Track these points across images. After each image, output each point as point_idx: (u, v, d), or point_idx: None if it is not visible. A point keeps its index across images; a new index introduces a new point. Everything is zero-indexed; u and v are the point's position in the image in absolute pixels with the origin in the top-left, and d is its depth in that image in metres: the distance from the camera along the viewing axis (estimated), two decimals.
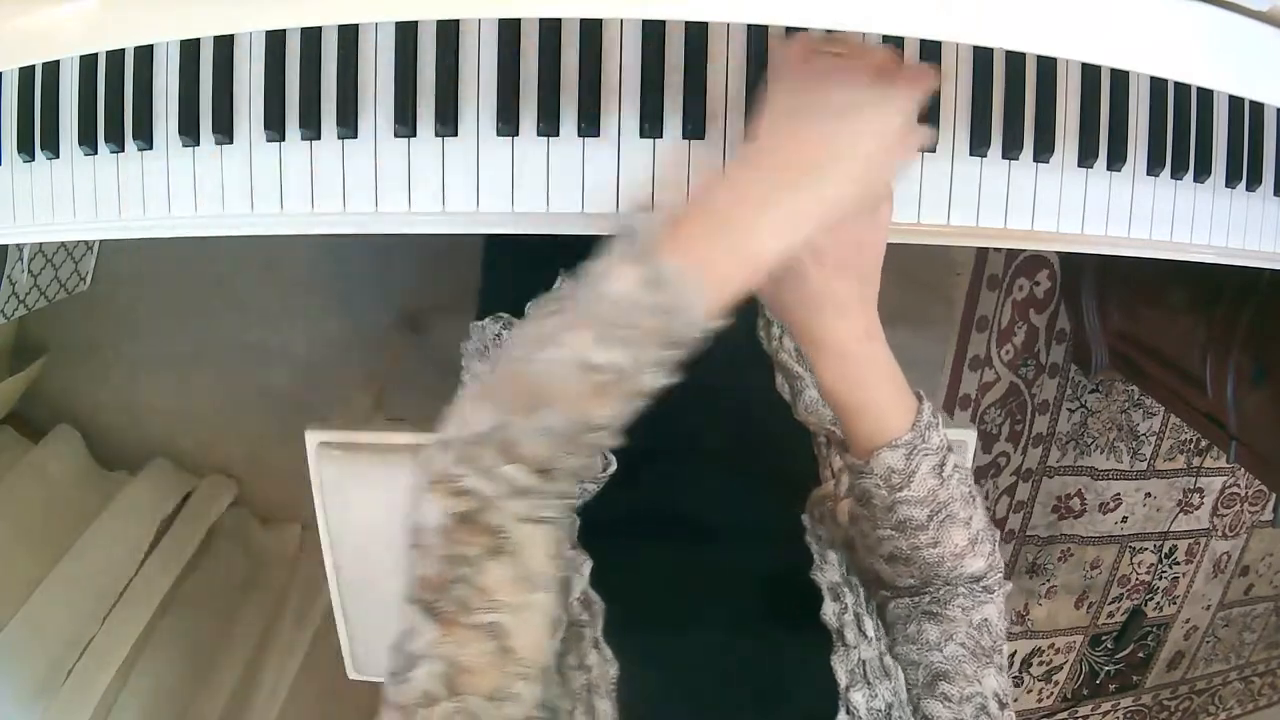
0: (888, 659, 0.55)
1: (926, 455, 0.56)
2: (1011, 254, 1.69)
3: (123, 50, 0.59)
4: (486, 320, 0.75)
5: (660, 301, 0.44)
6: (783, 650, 0.53)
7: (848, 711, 0.49)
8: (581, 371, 0.44)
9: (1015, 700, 0.58)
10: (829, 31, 0.53)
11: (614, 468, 0.69)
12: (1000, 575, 0.60)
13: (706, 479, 0.70)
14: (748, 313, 0.81)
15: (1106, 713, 2.29)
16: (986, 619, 0.58)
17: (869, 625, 0.55)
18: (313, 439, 0.96)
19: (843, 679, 0.51)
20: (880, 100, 0.49)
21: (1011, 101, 0.61)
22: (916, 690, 0.55)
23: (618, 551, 0.58)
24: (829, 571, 0.59)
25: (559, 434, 0.44)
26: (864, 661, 0.52)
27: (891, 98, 0.50)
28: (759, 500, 0.70)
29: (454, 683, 0.39)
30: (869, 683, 0.51)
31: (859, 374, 0.56)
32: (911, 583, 0.60)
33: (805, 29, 0.54)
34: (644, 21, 0.57)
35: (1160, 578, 2.14)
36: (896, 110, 0.50)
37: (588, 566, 0.55)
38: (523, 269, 0.78)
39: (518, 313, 0.74)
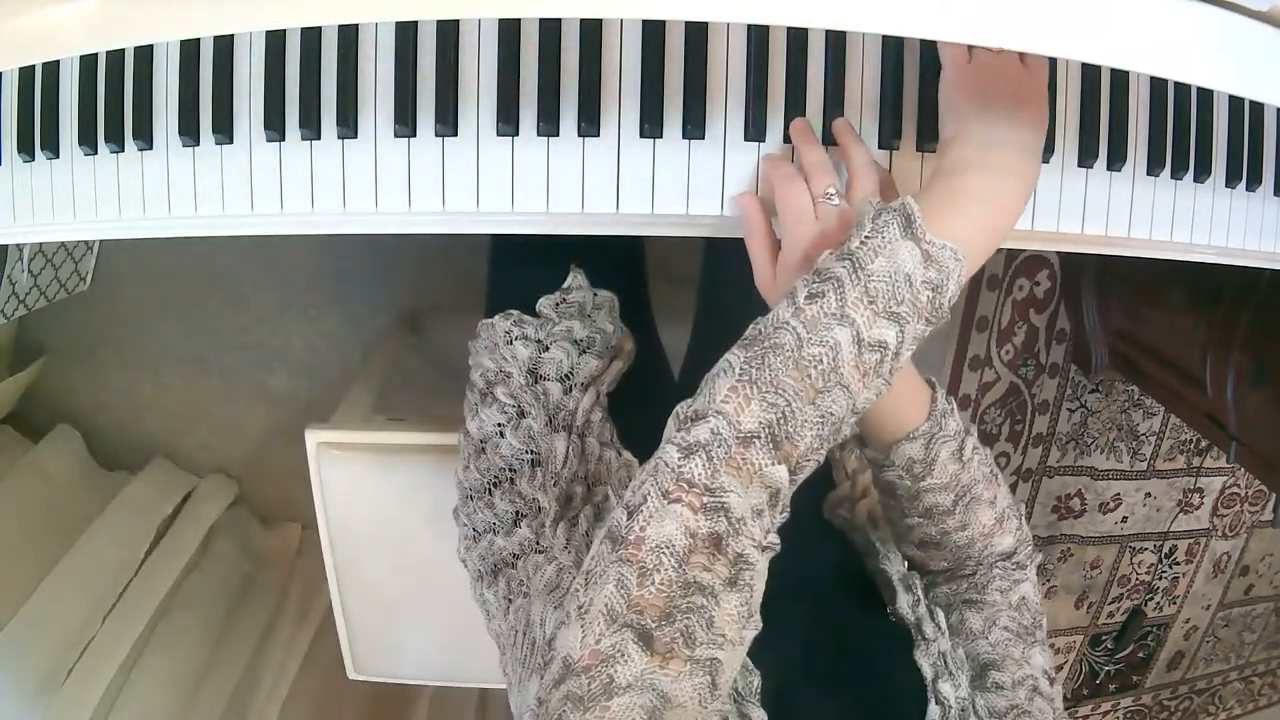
0: (959, 651, 0.56)
1: (945, 442, 0.56)
2: (1011, 254, 1.68)
3: (123, 50, 0.59)
4: (496, 317, 0.75)
5: (931, 277, 0.45)
6: (868, 643, 0.55)
7: (938, 702, 0.51)
8: (864, 350, 0.43)
9: None
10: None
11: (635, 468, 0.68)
12: (1030, 548, 0.61)
13: None
14: (757, 314, 0.81)
15: (1106, 713, 2.29)
16: (1024, 597, 0.59)
17: (940, 617, 0.57)
18: (313, 439, 0.96)
19: (929, 671, 0.52)
20: (1043, 121, 0.53)
21: None
22: (968, 684, 0.56)
23: None
24: (895, 562, 0.60)
25: (835, 420, 0.43)
26: (943, 654, 0.54)
27: (1043, 114, 0.54)
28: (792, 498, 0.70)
29: (658, 717, 0.36)
30: (951, 673, 0.53)
31: None
32: (945, 565, 0.62)
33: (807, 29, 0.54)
34: (644, 21, 0.57)
35: (1160, 578, 2.14)
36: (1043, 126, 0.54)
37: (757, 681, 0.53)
38: (531, 265, 0.78)
39: (527, 309, 0.74)
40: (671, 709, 0.36)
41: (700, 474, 0.39)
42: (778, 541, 0.44)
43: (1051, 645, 2.11)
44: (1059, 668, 2.17)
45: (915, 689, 0.52)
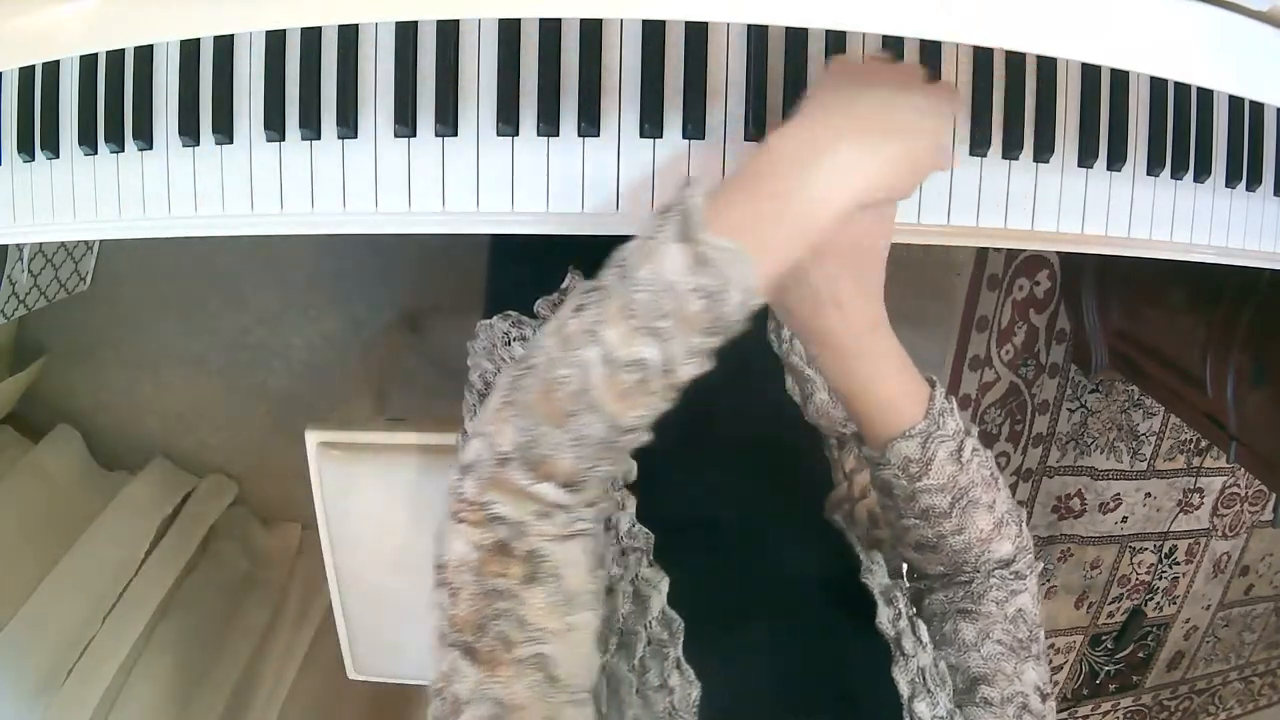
0: (942, 665, 0.54)
1: (943, 442, 0.55)
2: (1011, 254, 1.69)
3: (123, 50, 0.59)
4: (495, 318, 0.75)
5: (705, 283, 0.41)
6: (845, 659, 0.53)
7: None
8: (618, 370, 0.41)
9: None
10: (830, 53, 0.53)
11: (634, 475, 0.68)
12: (1030, 556, 0.60)
13: (731, 481, 0.70)
14: (760, 315, 0.81)
15: (1106, 713, 2.29)
16: (1021, 609, 0.57)
17: (922, 630, 0.55)
18: (313, 439, 0.96)
19: (905, 689, 0.51)
20: (938, 107, 0.50)
21: (1011, 101, 0.61)
22: (957, 697, 0.55)
23: (670, 566, 0.57)
24: (878, 574, 0.58)
25: (594, 442, 0.42)
26: (923, 670, 0.52)
27: (945, 108, 0.50)
28: (787, 502, 0.69)
29: None
30: (930, 691, 0.51)
31: (866, 369, 0.55)
32: (941, 570, 0.60)
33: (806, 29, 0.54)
34: (644, 21, 0.57)
35: (1160, 578, 2.14)
36: (946, 122, 0.50)
37: (665, 584, 0.54)
38: (531, 266, 0.78)
39: (526, 310, 0.74)
40: (512, 713, 0.37)
41: (471, 492, 0.41)
42: (586, 525, 0.44)
43: (1051, 645, 2.11)
44: (1059, 668, 2.17)
45: (892, 706, 0.50)
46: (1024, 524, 0.60)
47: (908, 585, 0.63)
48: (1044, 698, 0.54)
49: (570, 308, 0.42)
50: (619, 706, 0.47)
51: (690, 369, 0.43)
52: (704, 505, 0.67)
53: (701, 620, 0.52)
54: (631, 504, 0.62)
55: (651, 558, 0.58)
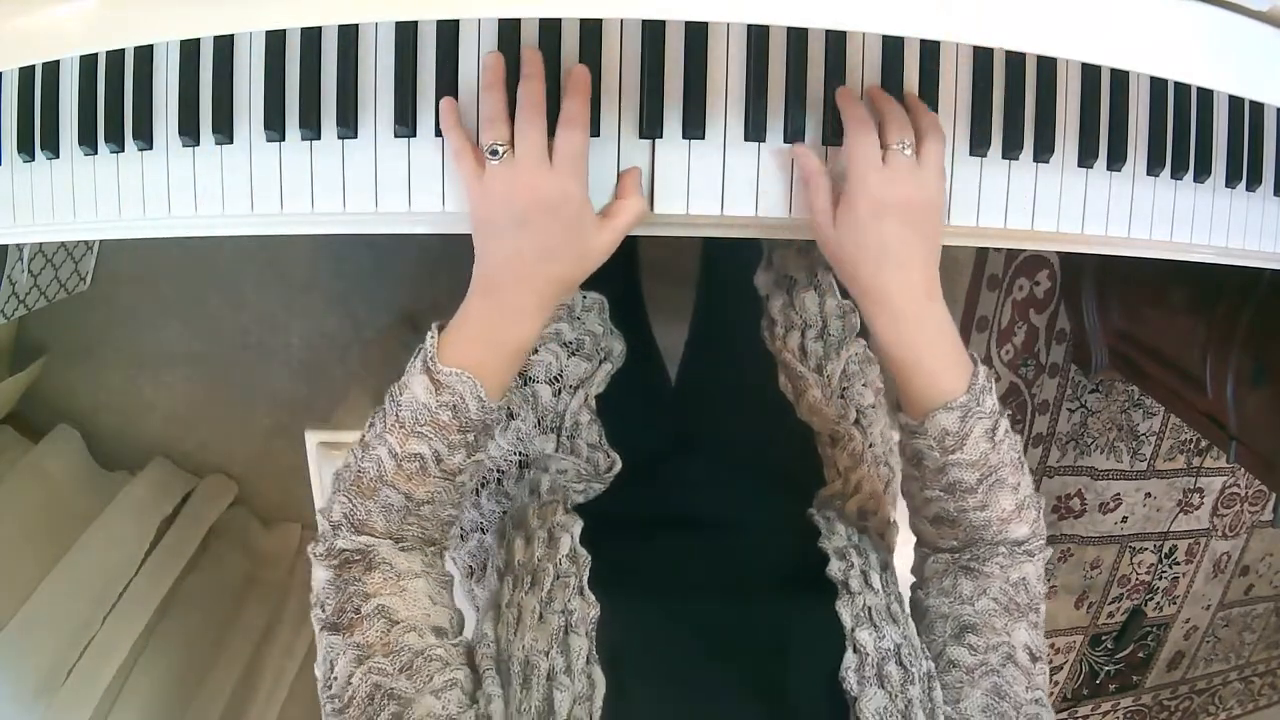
0: (895, 608, 0.55)
1: (980, 418, 0.56)
2: (1011, 254, 1.69)
3: (123, 50, 0.59)
4: None
5: (446, 400, 0.53)
6: (785, 611, 0.54)
7: (855, 650, 0.50)
8: (401, 461, 0.54)
9: None
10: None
11: (619, 467, 0.69)
12: (1042, 541, 0.60)
13: (720, 477, 0.70)
14: (754, 314, 0.81)
15: (1106, 713, 2.29)
16: (1024, 578, 0.58)
17: (875, 579, 0.56)
18: (313, 439, 0.96)
19: (848, 621, 0.52)
20: (539, 214, 0.53)
21: (1011, 101, 0.61)
22: (943, 640, 0.55)
23: (625, 542, 0.59)
24: (836, 540, 0.60)
25: (397, 509, 0.54)
26: (870, 607, 0.53)
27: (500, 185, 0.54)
28: (773, 497, 0.70)
29: (362, 658, 0.49)
30: (875, 625, 0.52)
31: (917, 332, 0.56)
32: (954, 544, 0.61)
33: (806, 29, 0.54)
34: (644, 21, 0.57)
35: (1160, 578, 2.14)
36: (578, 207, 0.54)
37: (578, 527, 0.59)
38: None
39: None
40: (364, 649, 0.50)
41: (322, 548, 0.54)
42: (411, 544, 0.56)
43: (1051, 645, 2.11)
44: (1059, 668, 2.17)
45: (834, 643, 0.51)
46: (1041, 511, 0.61)
47: (917, 551, 0.64)
48: (1034, 659, 0.55)
49: (368, 422, 0.56)
50: (520, 633, 0.52)
51: (458, 457, 0.55)
52: (676, 494, 0.68)
53: (631, 581, 0.55)
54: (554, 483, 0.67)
55: (569, 507, 0.63)
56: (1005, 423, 0.58)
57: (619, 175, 0.58)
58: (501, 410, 0.58)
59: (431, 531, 0.58)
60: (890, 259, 0.54)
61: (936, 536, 0.62)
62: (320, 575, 0.54)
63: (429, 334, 0.55)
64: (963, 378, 0.56)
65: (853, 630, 0.51)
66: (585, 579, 0.54)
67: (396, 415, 0.54)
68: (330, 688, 0.49)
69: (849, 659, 0.50)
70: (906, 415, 0.59)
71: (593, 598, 0.53)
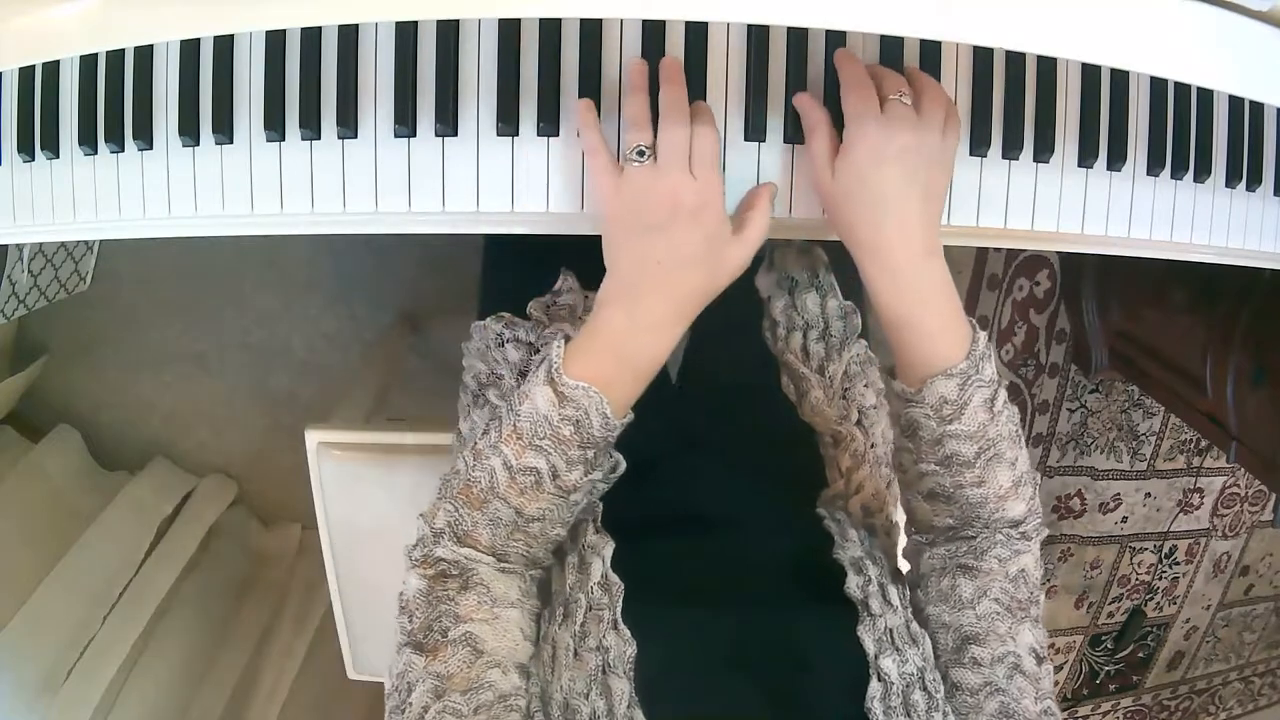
0: (914, 626, 0.54)
1: (980, 387, 0.55)
2: (1011, 254, 1.69)
3: (123, 50, 0.59)
4: (488, 320, 0.75)
5: (569, 414, 0.52)
6: (806, 627, 0.53)
7: (879, 679, 0.50)
8: (515, 474, 0.53)
9: None
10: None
11: (623, 468, 0.68)
12: (1039, 520, 0.59)
13: (723, 477, 0.70)
14: (755, 313, 0.81)
15: (1106, 713, 2.29)
16: (1023, 570, 0.57)
17: (893, 594, 0.55)
18: (313, 439, 0.96)
19: (871, 648, 0.51)
20: (681, 219, 0.52)
21: (1011, 101, 0.61)
22: (945, 658, 0.55)
23: (637, 546, 0.58)
24: (850, 549, 0.58)
25: (505, 523, 0.54)
26: (891, 629, 0.52)
27: (686, 215, 0.53)
28: (776, 497, 0.69)
29: (440, 691, 0.47)
30: (898, 649, 0.51)
31: (915, 290, 0.54)
32: (949, 523, 0.60)
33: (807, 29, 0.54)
34: (644, 21, 0.57)
35: (1160, 578, 2.14)
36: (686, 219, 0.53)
37: (609, 549, 0.57)
38: (524, 268, 0.78)
39: (519, 312, 0.74)
40: (446, 681, 0.48)
41: (420, 553, 0.54)
42: (514, 567, 0.56)
43: (1051, 645, 2.11)
44: (1059, 668, 2.17)
45: (856, 667, 0.50)
46: (1038, 488, 0.60)
47: (911, 538, 0.63)
48: (1039, 660, 0.54)
49: (482, 429, 0.56)
50: (557, 672, 0.50)
51: (576, 474, 0.54)
52: (684, 494, 0.67)
53: (651, 594, 0.54)
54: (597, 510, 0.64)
55: (600, 526, 0.61)
56: (1004, 393, 0.56)
57: (752, 189, 0.58)
58: (623, 428, 0.56)
59: (536, 550, 0.56)
60: (889, 212, 0.53)
61: (930, 514, 0.60)
62: (414, 583, 0.53)
63: (555, 343, 0.54)
64: (962, 343, 0.55)
65: (876, 657, 0.50)
66: (619, 611, 0.53)
67: (514, 425, 0.53)
68: (404, 712, 0.48)
69: (874, 688, 0.49)
70: (902, 383, 0.57)
71: (628, 633, 0.51)
